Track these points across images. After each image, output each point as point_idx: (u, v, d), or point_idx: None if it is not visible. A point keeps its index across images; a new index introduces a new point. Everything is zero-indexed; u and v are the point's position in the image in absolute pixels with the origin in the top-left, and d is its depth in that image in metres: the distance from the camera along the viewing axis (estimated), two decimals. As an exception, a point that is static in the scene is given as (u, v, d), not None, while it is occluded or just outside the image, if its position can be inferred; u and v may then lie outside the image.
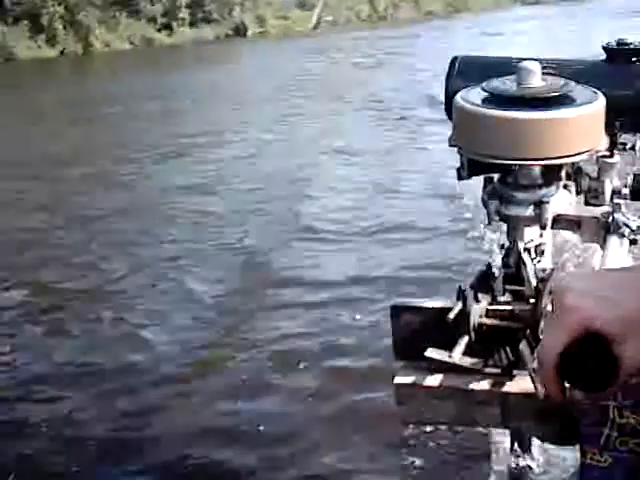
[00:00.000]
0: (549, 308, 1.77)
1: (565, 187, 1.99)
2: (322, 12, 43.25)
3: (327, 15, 43.75)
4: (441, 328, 1.91)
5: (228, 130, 11.43)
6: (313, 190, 7.28)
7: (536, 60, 1.89)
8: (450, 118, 2.06)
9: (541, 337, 1.73)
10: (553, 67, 1.97)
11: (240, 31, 38.04)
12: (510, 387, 1.87)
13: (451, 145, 1.94)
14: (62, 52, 31.79)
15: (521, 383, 1.85)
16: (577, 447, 1.48)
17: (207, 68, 23.43)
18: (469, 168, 1.92)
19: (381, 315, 2.57)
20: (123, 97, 15.66)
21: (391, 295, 3.15)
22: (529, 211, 1.91)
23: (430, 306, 2.03)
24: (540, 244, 1.99)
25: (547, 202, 1.90)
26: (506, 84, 1.87)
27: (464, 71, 2.10)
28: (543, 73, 1.86)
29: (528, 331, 1.86)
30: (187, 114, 13.08)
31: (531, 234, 1.96)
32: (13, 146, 11.48)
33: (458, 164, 1.98)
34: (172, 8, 36.46)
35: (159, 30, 36.02)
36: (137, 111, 14.14)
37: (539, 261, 1.99)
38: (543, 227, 1.93)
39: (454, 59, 2.14)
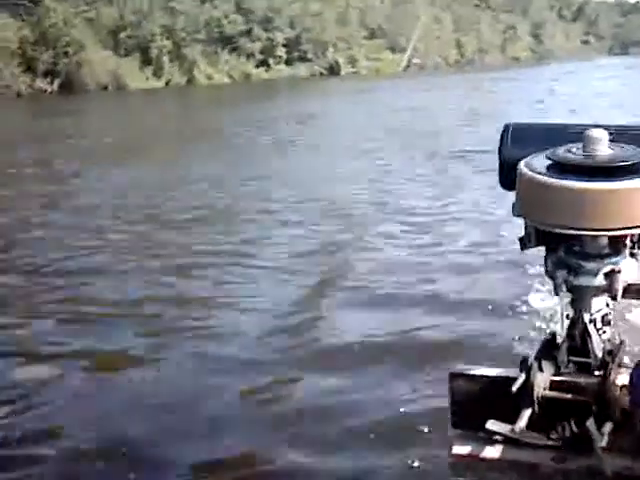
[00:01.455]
0: (617, 382, 1.80)
1: (632, 255, 1.91)
2: (412, 55, 44.64)
3: (416, 58, 45.12)
4: (502, 398, 1.86)
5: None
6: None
7: (599, 127, 1.84)
8: (504, 187, 2.03)
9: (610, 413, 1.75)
10: (620, 134, 1.89)
11: (334, 70, 39.65)
12: (575, 464, 1.80)
13: (515, 215, 1.89)
14: (167, 83, 33.74)
15: (587, 460, 1.78)
16: None
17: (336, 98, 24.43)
18: (536, 238, 1.88)
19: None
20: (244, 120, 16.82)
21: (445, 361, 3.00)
22: (598, 281, 1.84)
23: (490, 374, 1.99)
24: (607, 314, 1.92)
25: (619, 271, 1.83)
26: (572, 152, 1.81)
27: (517, 138, 2.04)
28: (610, 140, 1.81)
29: (595, 406, 1.80)
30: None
31: (598, 304, 1.90)
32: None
33: (522, 233, 1.94)
34: (270, 47, 38.31)
35: (257, 66, 37.87)
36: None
37: (604, 332, 1.93)
38: (614, 297, 1.86)
39: (506, 126, 2.08)
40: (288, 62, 39.23)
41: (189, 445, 2.94)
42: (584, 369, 1.88)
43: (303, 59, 39.69)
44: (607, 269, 1.83)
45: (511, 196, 1.92)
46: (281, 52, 38.77)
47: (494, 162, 2.05)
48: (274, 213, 7.57)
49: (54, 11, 30.52)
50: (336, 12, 42.11)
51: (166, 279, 5.31)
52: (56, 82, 30.49)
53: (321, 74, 39.35)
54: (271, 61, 38.41)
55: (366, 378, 3.31)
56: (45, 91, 30.19)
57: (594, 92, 21.94)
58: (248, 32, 37.94)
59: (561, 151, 1.81)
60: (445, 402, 2.07)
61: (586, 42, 67.38)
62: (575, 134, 1.87)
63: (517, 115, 14.70)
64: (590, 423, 1.76)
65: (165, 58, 33.83)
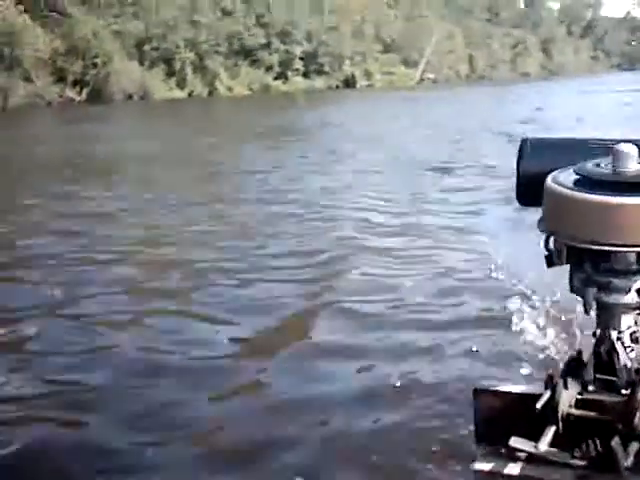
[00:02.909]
0: None
1: None
2: (425, 69, 45.90)
3: (429, 72, 46.37)
4: (526, 415, 1.85)
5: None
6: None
7: (620, 141, 1.84)
8: (522, 203, 2.04)
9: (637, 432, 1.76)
10: None
11: (349, 83, 40.90)
12: None
13: (542, 230, 1.87)
14: (190, 94, 34.99)
15: None
16: None
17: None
18: (563, 254, 1.85)
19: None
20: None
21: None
22: (629, 298, 1.82)
23: (515, 391, 1.98)
24: (635, 332, 1.90)
25: None
26: (601, 167, 1.80)
27: (536, 153, 2.03)
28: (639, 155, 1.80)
29: (620, 425, 1.78)
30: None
31: (627, 322, 1.88)
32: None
33: (547, 251, 1.90)
34: (287, 59, 39.59)
35: (275, 78, 39.13)
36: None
37: (632, 350, 1.90)
38: None
39: (524, 141, 2.07)
40: (305, 75, 40.49)
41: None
42: (610, 387, 1.86)
43: (320, 72, 40.94)
44: (638, 286, 1.82)
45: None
46: (298, 65, 40.04)
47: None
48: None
49: (84, 23, 31.85)
50: (352, 26, 43.35)
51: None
52: (84, 92, 31.81)
53: (337, 87, 40.58)
54: (289, 73, 39.68)
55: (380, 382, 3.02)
56: (73, 100, 31.48)
57: (608, 105, 22.97)
58: (267, 45, 39.22)
59: (589, 166, 1.81)
60: (466, 418, 2.08)
61: (595, 58, 68.50)
62: (596, 149, 1.91)
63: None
64: (615, 442, 1.74)
65: (188, 70, 35.17)
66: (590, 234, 1.72)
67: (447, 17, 52.26)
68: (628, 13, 77.31)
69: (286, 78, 39.39)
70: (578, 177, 1.79)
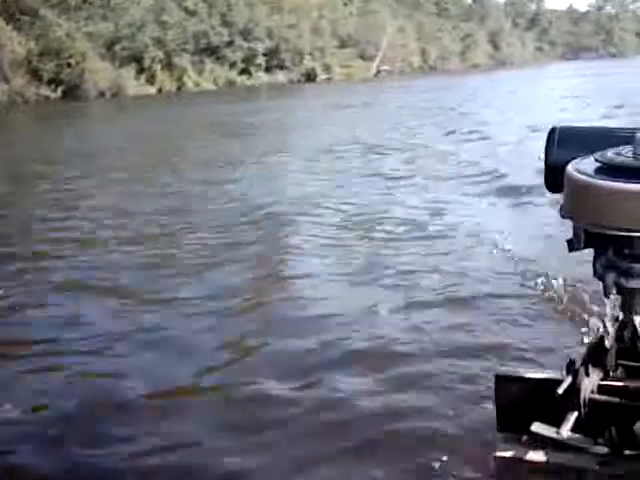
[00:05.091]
0: None
1: None
2: (380, 63, 48.25)
3: (384, 65, 48.73)
4: (547, 401, 1.87)
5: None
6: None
7: None
8: (550, 190, 2.09)
9: None
10: None
11: (310, 77, 43.03)
12: (622, 468, 1.81)
13: (563, 216, 1.89)
14: (160, 90, 36.73)
15: (634, 464, 1.79)
16: None
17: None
18: (585, 239, 1.84)
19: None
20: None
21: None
22: None
23: (536, 377, 2.02)
24: None
25: None
26: (621, 155, 1.81)
27: (563, 142, 2.05)
28: None
29: None
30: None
31: None
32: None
33: (570, 236, 1.90)
34: (250, 56, 41.48)
35: (239, 74, 41.05)
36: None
37: None
38: None
39: (552, 130, 2.09)
40: (267, 69, 42.48)
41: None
42: (633, 373, 1.89)
43: (282, 67, 42.96)
44: None
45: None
46: (261, 60, 41.98)
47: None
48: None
49: (58, 26, 33.41)
50: (310, 23, 45.42)
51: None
52: (59, 89, 33.37)
53: (298, 81, 42.67)
54: (252, 69, 41.62)
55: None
56: (49, 98, 33.00)
57: (546, 88, 25.44)
58: (231, 43, 41.06)
59: (610, 153, 1.83)
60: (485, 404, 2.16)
61: (540, 49, 71.69)
62: (622, 137, 1.94)
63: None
64: (638, 427, 1.78)
65: (157, 67, 36.89)
66: (610, 220, 1.74)
67: (398, 12, 54.64)
68: (570, 5, 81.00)
69: (250, 74, 41.31)
70: (599, 164, 1.82)
